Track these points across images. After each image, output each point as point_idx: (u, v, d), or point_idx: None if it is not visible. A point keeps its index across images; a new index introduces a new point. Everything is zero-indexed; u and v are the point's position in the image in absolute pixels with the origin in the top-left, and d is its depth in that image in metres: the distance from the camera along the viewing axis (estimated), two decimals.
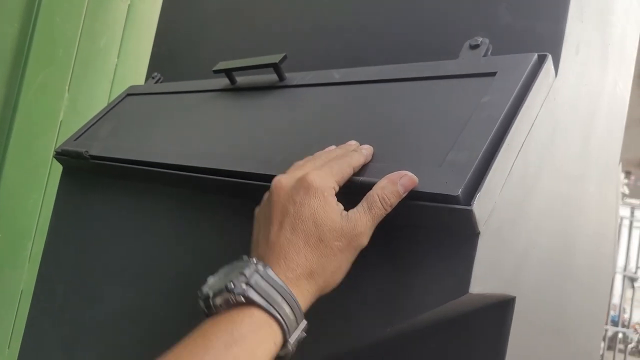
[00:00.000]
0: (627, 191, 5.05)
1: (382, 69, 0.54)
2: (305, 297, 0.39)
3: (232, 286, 0.37)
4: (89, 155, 0.74)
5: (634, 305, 4.46)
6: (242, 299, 0.36)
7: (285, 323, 0.37)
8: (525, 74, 0.44)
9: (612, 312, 4.03)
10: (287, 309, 0.37)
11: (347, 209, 0.41)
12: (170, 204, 0.65)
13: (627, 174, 5.32)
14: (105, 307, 0.70)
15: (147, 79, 0.91)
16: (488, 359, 0.45)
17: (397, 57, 0.57)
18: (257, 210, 0.45)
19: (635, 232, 4.38)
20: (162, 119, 0.74)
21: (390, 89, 0.52)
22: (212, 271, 0.40)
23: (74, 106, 1.22)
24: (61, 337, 0.75)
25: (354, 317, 0.44)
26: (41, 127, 1.17)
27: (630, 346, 4.38)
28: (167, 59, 0.90)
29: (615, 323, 4.08)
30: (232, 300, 0.37)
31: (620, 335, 3.99)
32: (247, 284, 0.37)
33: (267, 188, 0.43)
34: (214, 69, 0.69)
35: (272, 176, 0.43)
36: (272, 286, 0.37)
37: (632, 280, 4.24)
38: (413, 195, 0.40)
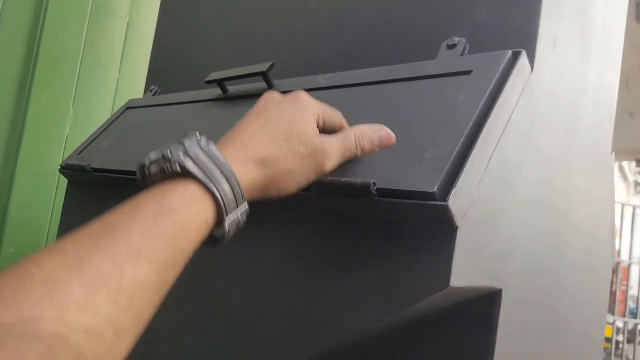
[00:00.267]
0: None
1: (365, 73, 0.56)
2: (249, 181, 0.38)
3: (169, 154, 0.35)
4: (91, 169, 0.76)
5: None
6: (178, 167, 0.35)
7: (223, 200, 0.35)
8: (500, 71, 0.45)
9: (631, 304, 3.95)
10: (227, 187, 0.36)
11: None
12: None
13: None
14: None
15: (145, 92, 0.94)
16: (478, 351, 0.46)
17: (380, 60, 0.58)
18: None
19: None
20: (159, 130, 0.76)
21: (372, 92, 0.53)
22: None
23: (79, 121, 1.25)
24: None
25: (340, 312, 0.45)
26: (48, 143, 1.21)
27: None
28: (163, 72, 0.93)
29: (634, 315, 4.00)
30: (167, 168, 0.35)
31: None
32: (186, 153, 0.35)
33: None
34: (207, 80, 0.71)
35: None
36: (212, 161, 0.36)
37: None
38: (394, 193, 0.41)
